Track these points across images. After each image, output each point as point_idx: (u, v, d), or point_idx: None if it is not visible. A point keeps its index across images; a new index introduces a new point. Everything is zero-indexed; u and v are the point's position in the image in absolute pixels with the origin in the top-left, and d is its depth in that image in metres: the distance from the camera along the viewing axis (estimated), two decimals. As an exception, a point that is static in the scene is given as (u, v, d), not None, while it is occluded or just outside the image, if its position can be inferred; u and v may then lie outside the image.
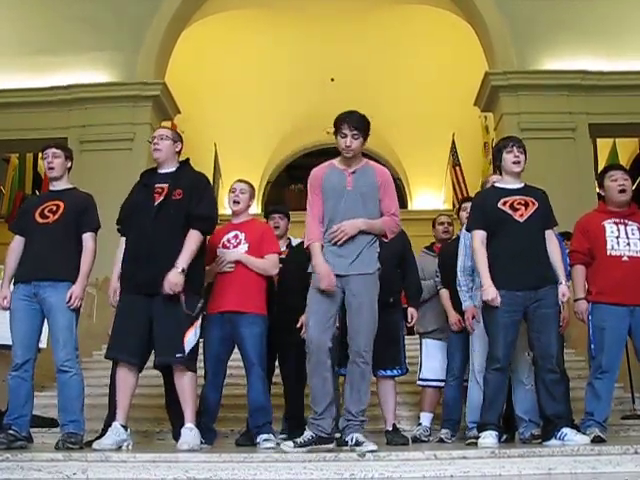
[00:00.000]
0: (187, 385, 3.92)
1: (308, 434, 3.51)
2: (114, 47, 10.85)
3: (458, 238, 5.05)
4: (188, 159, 4.31)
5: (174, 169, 4.16)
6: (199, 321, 4.02)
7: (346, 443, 3.56)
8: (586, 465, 3.17)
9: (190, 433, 3.81)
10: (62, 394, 4.04)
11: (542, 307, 3.98)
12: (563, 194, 8.57)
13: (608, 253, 4.17)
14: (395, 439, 4.46)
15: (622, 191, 4.24)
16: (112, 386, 4.76)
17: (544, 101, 10.44)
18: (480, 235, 4.12)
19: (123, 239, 4.17)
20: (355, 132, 3.73)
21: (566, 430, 3.83)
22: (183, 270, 3.84)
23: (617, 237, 4.19)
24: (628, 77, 10.41)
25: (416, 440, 4.79)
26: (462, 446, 4.08)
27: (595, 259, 4.23)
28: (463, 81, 12.47)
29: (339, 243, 3.66)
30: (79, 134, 10.57)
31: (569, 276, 4.33)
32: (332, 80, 14.96)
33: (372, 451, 3.30)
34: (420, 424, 4.98)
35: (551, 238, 4.13)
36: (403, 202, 16.83)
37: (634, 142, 13.51)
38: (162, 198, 4.01)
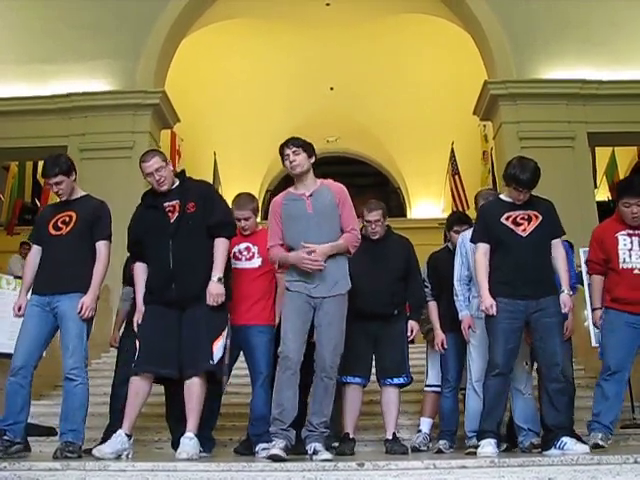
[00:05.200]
0: (197, 394, 3.90)
1: (281, 442, 3.58)
2: (114, 55, 10.86)
3: (446, 248, 5.07)
4: (184, 170, 4.35)
5: (177, 184, 4.17)
6: (226, 331, 4.03)
7: (306, 452, 3.72)
8: (586, 474, 3.16)
9: (190, 442, 3.80)
10: (65, 402, 4.04)
11: (545, 316, 4.01)
12: (562, 203, 8.47)
13: (620, 266, 4.20)
14: (394, 448, 4.45)
15: (634, 218, 4.24)
16: (113, 396, 4.75)
17: (543, 110, 10.45)
18: (483, 248, 4.18)
19: (139, 264, 4.15)
20: (295, 148, 3.96)
21: (566, 439, 3.83)
22: (220, 279, 3.93)
23: (630, 250, 4.22)
24: (627, 86, 10.42)
25: (415, 450, 4.78)
26: (461, 455, 4.07)
27: (611, 270, 4.26)
28: (462, 90, 12.49)
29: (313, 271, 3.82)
30: (79, 142, 10.56)
31: (574, 286, 4.34)
32: (331, 89, 14.99)
33: (326, 460, 3.44)
34: (420, 430, 4.96)
35: (557, 247, 4.18)
36: (402, 211, 16.84)
37: (633, 151, 13.52)
38: (177, 215, 4.02)
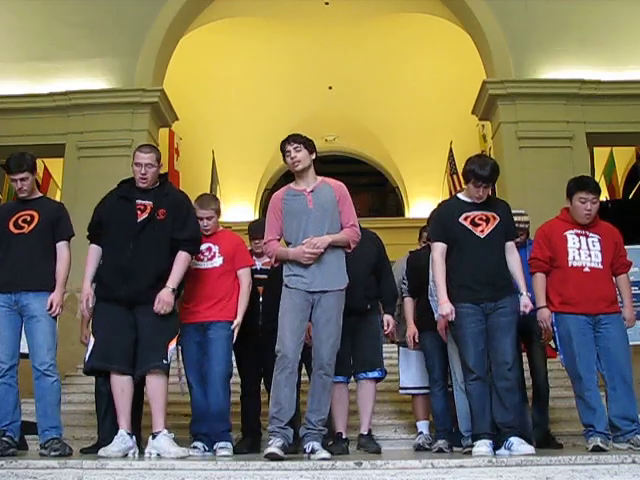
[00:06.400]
0: (162, 391, 3.95)
1: (279, 441, 3.56)
2: (113, 54, 10.84)
3: (428, 247, 5.05)
4: (166, 174, 4.39)
5: (156, 185, 4.23)
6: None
7: (304, 450, 3.71)
8: (584, 474, 3.18)
9: (164, 438, 3.83)
10: (44, 399, 4.07)
11: (499, 315, 4.04)
12: (559, 203, 8.53)
13: (570, 264, 4.20)
14: (367, 445, 4.45)
15: (587, 215, 4.26)
16: (97, 397, 4.73)
17: (542, 110, 10.45)
18: (440, 247, 4.18)
19: (93, 246, 4.18)
20: (296, 145, 3.96)
21: (513, 439, 3.84)
22: (174, 291, 3.98)
23: (579, 249, 4.23)
24: (626, 86, 10.42)
25: (420, 448, 4.80)
26: (459, 455, 4.08)
27: (557, 268, 4.26)
28: (461, 89, 12.49)
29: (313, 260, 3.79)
30: (77, 140, 10.54)
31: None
32: (330, 88, 14.97)
33: (324, 459, 3.44)
34: (421, 433, 4.96)
35: (512, 250, 4.19)
36: (400, 210, 16.85)
37: (631, 151, 13.51)
38: (146, 216, 4.06)
